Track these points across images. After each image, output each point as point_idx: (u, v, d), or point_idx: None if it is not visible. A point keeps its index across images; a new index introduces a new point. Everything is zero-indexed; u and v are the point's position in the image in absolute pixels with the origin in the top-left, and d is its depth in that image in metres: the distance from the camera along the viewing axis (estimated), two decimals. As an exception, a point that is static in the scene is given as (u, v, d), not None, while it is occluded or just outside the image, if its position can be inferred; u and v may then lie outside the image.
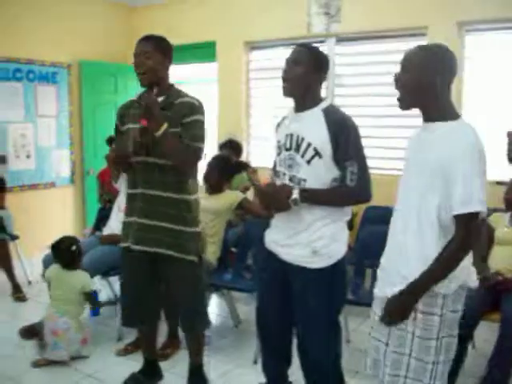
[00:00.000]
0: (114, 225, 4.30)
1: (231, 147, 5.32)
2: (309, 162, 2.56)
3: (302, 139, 2.58)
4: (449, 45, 2.17)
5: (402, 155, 2.49)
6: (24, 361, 3.83)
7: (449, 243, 2.07)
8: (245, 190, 4.70)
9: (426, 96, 2.13)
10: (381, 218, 4.39)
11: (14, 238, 5.53)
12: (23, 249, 5.70)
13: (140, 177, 3.02)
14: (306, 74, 2.59)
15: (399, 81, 2.18)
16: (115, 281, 4.60)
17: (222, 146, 5.55)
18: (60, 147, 6.64)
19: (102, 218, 4.90)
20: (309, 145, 2.55)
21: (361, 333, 4.13)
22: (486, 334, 3.74)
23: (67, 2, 6.54)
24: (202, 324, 3.27)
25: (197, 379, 3.33)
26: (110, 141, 5.38)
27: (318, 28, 5.71)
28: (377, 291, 2.35)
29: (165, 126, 2.81)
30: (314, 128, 2.55)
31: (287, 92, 2.62)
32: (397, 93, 2.21)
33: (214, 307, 4.91)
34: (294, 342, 2.86)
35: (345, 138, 2.51)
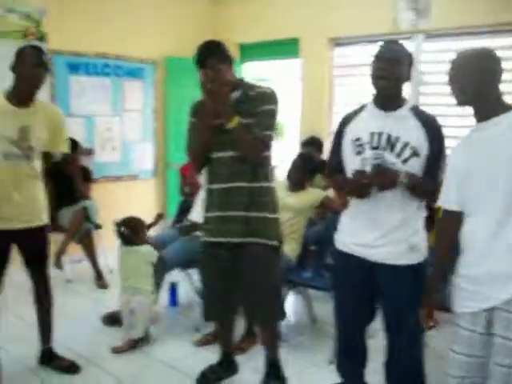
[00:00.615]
0: (196, 218, 4.36)
1: (313, 144, 5.29)
2: (405, 161, 2.53)
3: (397, 138, 2.53)
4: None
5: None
6: (105, 346, 3.95)
7: None
8: (326, 187, 4.65)
9: (484, 95, 2.20)
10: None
11: (98, 227, 5.71)
12: (106, 238, 5.87)
13: (219, 170, 3.05)
14: (404, 73, 2.55)
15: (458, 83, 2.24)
16: (194, 273, 4.67)
17: (304, 144, 5.52)
18: (144, 141, 6.80)
19: (183, 210, 4.98)
20: (406, 144, 2.51)
21: (434, 337, 4.01)
22: None
23: (153, 2, 6.68)
24: (279, 314, 3.28)
25: (274, 374, 3.33)
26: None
27: (405, 24, 5.57)
28: (472, 305, 2.23)
29: (237, 118, 2.86)
30: (409, 128, 2.52)
31: (384, 90, 2.57)
32: None
33: (291, 305, 4.90)
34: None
35: (438, 137, 2.54)
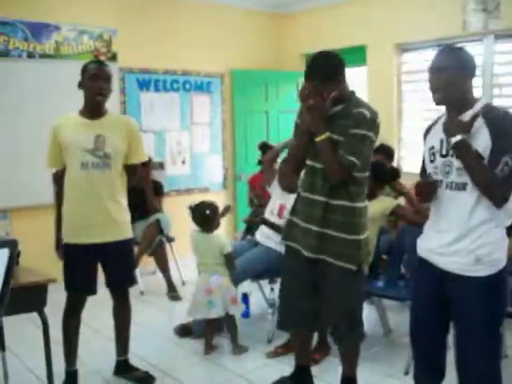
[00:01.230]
0: (267, 229, 4.37)
1: (384, 152, 5.19)
2: None
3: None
4: None
5: None
6: (178, 357, 4.01)
7: None
8: (398, 195, 4.57)
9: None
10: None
11: (170, 240, 5.81)
12: (178, 251, 5.96)
13: (318, 182, 3.02)
14: (455, 77, 2.46)
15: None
16: (266, 284, 4.68)
17: (374, 151, 5.43)
18: (213, 153, 6.89)
19: (254, 222, 4.99)
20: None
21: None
22: None
23: (219, 16, 6.79)
24: (356, 337, 3.19)
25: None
26: (261, 147, 5.47)
27: (475, 26, 5.43)
28: None
29: (326, 134, 2.87)
30: (473, 129, 2.42)
31: (439, 101, 2.52)
32: None
33: (364, 315, 4.81)
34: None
35: (504, 131, 2.37)
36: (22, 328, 4.24)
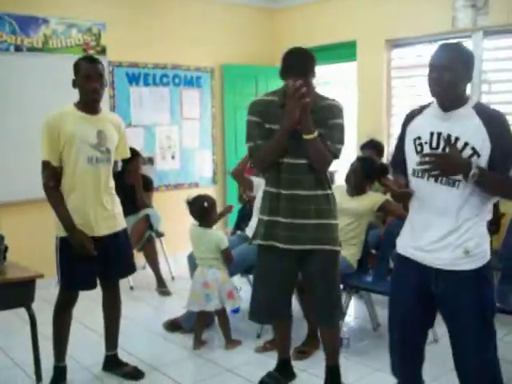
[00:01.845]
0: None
1: (374, 148, 5.20)
2: None
3: (457, 139, 2.45)
4: None
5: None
6: (167, 352, 4.01)
7: None
8: (386, 191, 4.57)
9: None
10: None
11: (160, 235, 5.81)
12: (168, 246, 5.96)
13: (283, 176, 3.08)
14: (458, 78, 2.47)
15: None
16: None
17: (363, 147, 5.45)
18: (203, 148, 6.88)
19: (243, 217, 5.00)
20: (466, 144, 2.42)
21: (506, 343, 3.89)
22: None
23: (210, 11, 6.77)
24: (340, 315, 3.34)
25: (333, 381, 3.30)
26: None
27: (464, 22, 5.44)
28: None
29: (316, 133, 2.94)
30: (469, 127, 2.42)
31: (439, 96, 2.51)
32: None
33: (353, 309, 4.84)
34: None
35: (502, 134, 2.39)
36: (10, 323, 4.24)
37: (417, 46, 5.98)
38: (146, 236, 5.52)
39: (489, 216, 2.57)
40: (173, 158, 6.59)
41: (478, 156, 2.41)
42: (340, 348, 3.38)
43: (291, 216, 3.07)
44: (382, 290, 4.01)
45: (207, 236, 4.04)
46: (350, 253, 4.04)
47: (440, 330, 3.97)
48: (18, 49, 5.32)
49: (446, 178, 2.47)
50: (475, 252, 2.47)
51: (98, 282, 3.50)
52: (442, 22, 5.55)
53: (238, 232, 4.92)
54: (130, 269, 3.64)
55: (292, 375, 3.54)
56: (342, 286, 3.53)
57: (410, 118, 2.72)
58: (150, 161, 6.37)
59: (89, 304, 3.92)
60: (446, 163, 2.40)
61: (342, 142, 3.09)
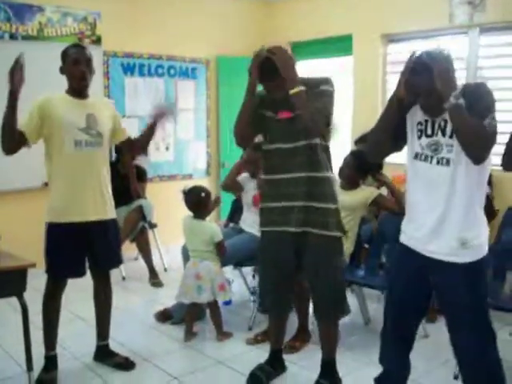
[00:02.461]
0: (249, 219, 4.39)
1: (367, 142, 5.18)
2: (452, 135, 2.47)
3: (446, 121, 2.49)
4: None
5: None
6: (158, 343, 4.02)
7: None
8: (380, 185, 4.58)
9: None
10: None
11: (153, 226, 5.80)
12: (161, 237, 5.96)
13: (295, 160, 3.08)
14: (453, 77, 2.47)
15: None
16: (248, 272, 4.69)
17: (357, 141, 5.44)
18: (197, 140, 6.87)
19: (236, 209, 5.00)
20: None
21: (499, 339, 3.91)
22: None
23: (206, 2, 6.75)
24: (344, 309, 3.28)
25: (329, 375, 3.30)
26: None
27: (461, 18, 5.44)
28: None
29: (300, 88, 2.89)
30: None
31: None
32: None
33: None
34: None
35: (479, 96, 2.42)
36: (1, 312, 4.24)
37: (413, 41, 5.97)
38: (138, 227, 5.52)
39: (483, 202, 2.59)
40: (167, 149, 6.58)
41: None
42: (337, 343, 3.36)
43: (286, 200, 3.10)
44: (373, 284, 4.04)
45: (201, 228, 4.04)
46: (342, 247, 4.05)
47: (430, 326, 4.02)
48: (12, 37, 5.29)
49: (446, 159, 2.49)
50: (473, 243, 2.49)
51: (89, 272, 3.51)
52: (438, 17, 5.55)
53: (232, 224, 4.92)
54: (116, 261, 3.63)
55: (282, 367, 3.55)
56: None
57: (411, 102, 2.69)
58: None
59: (80, 294, 3.92)
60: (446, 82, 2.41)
61: (329, 105, 3.01)
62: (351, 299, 4.74)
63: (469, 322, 2.54)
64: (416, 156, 2.61)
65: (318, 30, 6.62)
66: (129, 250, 5.81)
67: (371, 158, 2.97)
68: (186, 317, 4.12)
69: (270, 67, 2.91)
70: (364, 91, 6.30)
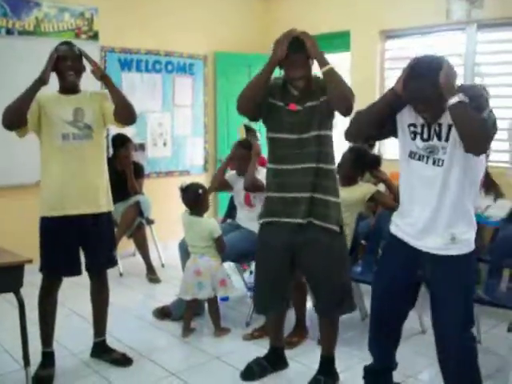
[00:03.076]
0: (244, 217, 4.39)
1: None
2: (447, 138, 2.53)
3: (440, 125, 2.55)
4: None
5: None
6: (156, 339, 4.03)
7: None
8: (378, 182, 4.59)
9: None
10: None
11: (150, 222, 5.80)
12: (158, 233, 5.95)
13: (304, 151, 3.07)
14: (442, 98, 2.48)
15: None
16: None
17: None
18: (195, 136, 6.86)
19: (233, 206, 4.99)
20: (449, 126, 2.51)
21: (492, 336, 3.92)
22: None
23: (204, -4, 6.73)
24: (350, 306, 3.27)
25: (327, 371, 3.31)
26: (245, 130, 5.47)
27: (458, 14, 5.43)
28: None
29: (332, 65, 2.91)
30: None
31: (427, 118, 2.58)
32: None
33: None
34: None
35: (474, 94, 2.47)
36: (-1, 308, 4.23)
37: (411, 37, 5.97)
38: (136, 223, 5.51)
39: (475, 203, 2.65)
40: (164, 145, 6.57)
41: None
42: (336, 340, 3.36)
43: (287, 190, 3.10)
44: (370, 280, 4.02)
45: (199, 225, 4.03)
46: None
47: (428, 321, 4.02)
48: (9, 32, 5.27)
49: (442, 160, 2.53)
50: (463, 238, 2.58)
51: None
52: (436, 13, 5.54)
53: (229, 220, 4.92)
54: (109, 262, 3.58)
55: (284, 364, 3.55)
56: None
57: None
58: (142, 147, 6.35)
59: (77, 290, 3.92)
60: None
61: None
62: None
63: (452, 311, 2.62)
64: (410, 154, 2.67)
65: (316, 25, 6.56)
66: (126, 246, 5.81)
67: (349, 135, 2.94)
68: (185, 313, 4.11)
69: (300, 43, 2.93)
70: (362, 87, 6.25)
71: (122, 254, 5.64)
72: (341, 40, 6.46)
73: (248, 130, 5.17)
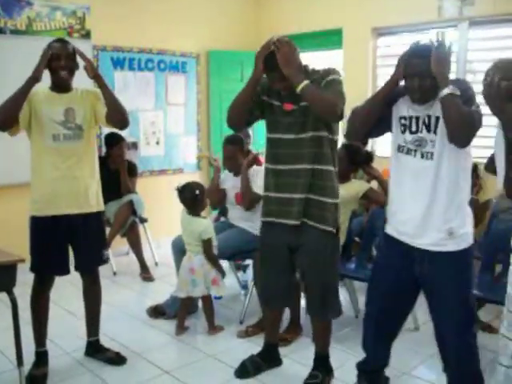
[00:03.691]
0: (236, 215, 4.38)
1: (358, 135, 5.19)
2: (435, 129, 2.56)
3: (429, 117, 2.57)
4: None
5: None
6: (150, 338, 4.02)
7: None
8: (370, 179, 4.59)
9: None
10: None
11: (143, 221, 5.79)
12: (151, 231, 5.95)
13: (299, 151, 3.06)
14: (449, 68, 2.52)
15: None
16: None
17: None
18: (188, 134, 6.85)
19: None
20: (437, 118, 2.54)
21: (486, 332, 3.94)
22: None
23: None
24: (335, 310, 3.28)
25: (323, 367, 3.33)
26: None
27: (450, 12, 5.45)
28: None
29: (306, 82, 2.86)
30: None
31: (420, 101, 2.57)
32: None
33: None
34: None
35: (464, 88, 2.51)
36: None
37: (403, 34, 5.98)
38: (129, 222, 5.50)
39: (468, 196, 2.64)
40: (157, 143, 6.56)
41: None
42: (330, 338, 3.37)
43: (282, 191, 3.11)
44: (364, 277, 4.04)
45: (193, 224, 4.03)
46: (333, 240, 4.05)
47: (421, 318, 4.03)
48: (1, 31, 5.23)
49: (430, 153, 2.54)
50: (460, 233, 2.56)
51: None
52: (428, 11, 5.55)
53: (223, 218, 4.92)
54: (98, 260, 3.54)
55: (278, 361, 3.56)
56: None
57: (397, 93, 2.73)
58: (134, 146, 6.33)
59: (70, 289, 3.92)
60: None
61: (339, 90, 2.96)
62: (342, 292, 4.78)
63: (452, 310, 2.61)
64: (399, 148, 2.68)
65: (308, 23, 6.60)
66: (119, 244, 5.80)
67: (348, 135, 2.97)
68: (179, 311, 4.11)
69: (274, 60, 2.90)
70: (354, 84, 6.26)
71: (115, 252, 5.64)
72: (333, 37, 6.47)
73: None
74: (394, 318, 2.87)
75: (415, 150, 2.60)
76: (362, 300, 4.37)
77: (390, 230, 2.78)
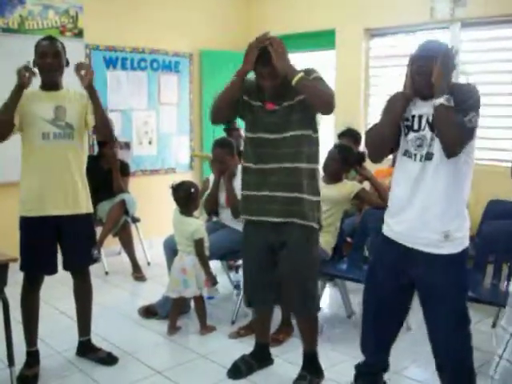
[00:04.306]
0: (227, 216, 4.38)
1: (351, 136, 5.21)
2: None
3: (433, 115, 2.54)
4: None
5: None
6: (141, 338, 4.01)
7: None
8: (362, 179, 4.60)
9: None
10: (507, 212, 4.21)
11: (136, 220, 5.78)
12: (143, 231, 5.94)
13: (280, 150, 3.07)
14: (448, 69, 2.51)
15: None
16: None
17: (341, 135, 5.46)
18: (180, 134, 6.84)
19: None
20: None
21: (478, 332, 3.93)
22: None
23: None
24: (314, 306, 3.27)
25: (312, 367, 3.32)
26: (227, 130, 5.48)
27: (442, 13, 5.46)
28: None
29: (301, 74, 2.89)
30: None
31: (427, 86, 2.56)
32: None
33: (328, 297, 4.88)
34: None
35: (466, 94, 2.51)
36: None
37: (395, 35, 5.99)
38: (121, 221, 5.49)
39: (467, 195, 2.64)
40: (150, 143, 6.55)
41: None
42: (317, 335, 3.38)
43: (263, 189, 3.11)
44: (356, 277, 4.05)
45: (184, 224, 4.03)
46: (325, 240, 4.04)
47: (413, 319, 4.04)
48: (-7, 29, 5.23)
49: (430, 154, 2.54)
50: (456, 236, 2.55)
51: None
52: (420, 12, 5.56)
53: (214, 219, 4.91)
54: (87, 259, 3.51)
55: (269, 360, 3.56)
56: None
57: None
58: (127, 146, 6.32)
59: (62, 289, 3.91)
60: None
61: (328, 85, 3.02)
62: (334, 292, 4.80)
63: (447, 312, 2.60)
64: (405, 153, 2.68)
65: (301, 24, 6.61)
66: (111, 244, 5.79)
67: (374, 156, 2.85)
68: (171, 311, 4.11)
69: (266, 55, 2.93)
70: (347, 85, 6.30)
71: (107, 252, 5.63)
72: (326, 38, 6.47)
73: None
74: (392, 320, 2.87)
75: (415, 154, 2.60)
76: (354, 300, 4.40)
77: (387, 230, 2.77)
